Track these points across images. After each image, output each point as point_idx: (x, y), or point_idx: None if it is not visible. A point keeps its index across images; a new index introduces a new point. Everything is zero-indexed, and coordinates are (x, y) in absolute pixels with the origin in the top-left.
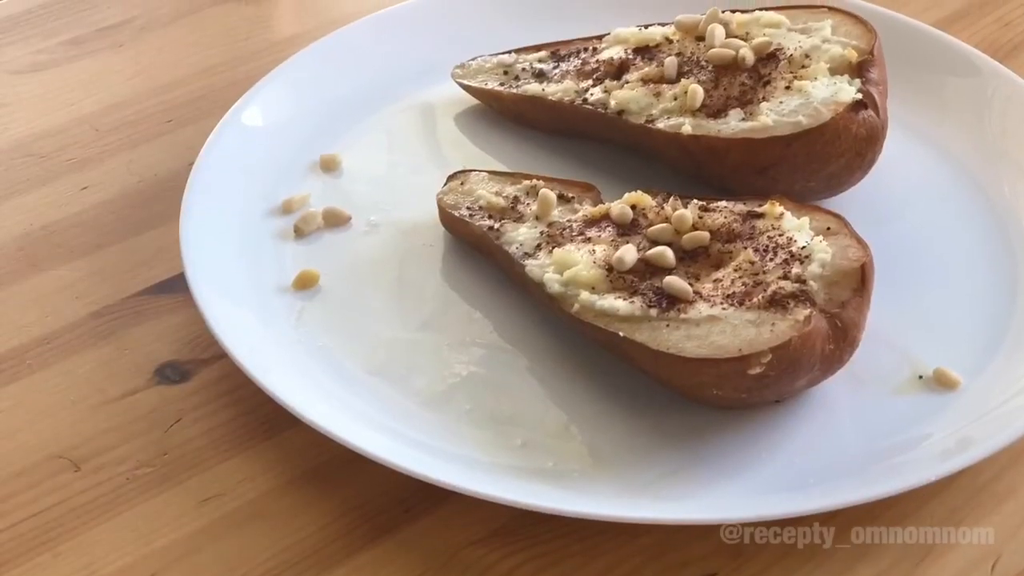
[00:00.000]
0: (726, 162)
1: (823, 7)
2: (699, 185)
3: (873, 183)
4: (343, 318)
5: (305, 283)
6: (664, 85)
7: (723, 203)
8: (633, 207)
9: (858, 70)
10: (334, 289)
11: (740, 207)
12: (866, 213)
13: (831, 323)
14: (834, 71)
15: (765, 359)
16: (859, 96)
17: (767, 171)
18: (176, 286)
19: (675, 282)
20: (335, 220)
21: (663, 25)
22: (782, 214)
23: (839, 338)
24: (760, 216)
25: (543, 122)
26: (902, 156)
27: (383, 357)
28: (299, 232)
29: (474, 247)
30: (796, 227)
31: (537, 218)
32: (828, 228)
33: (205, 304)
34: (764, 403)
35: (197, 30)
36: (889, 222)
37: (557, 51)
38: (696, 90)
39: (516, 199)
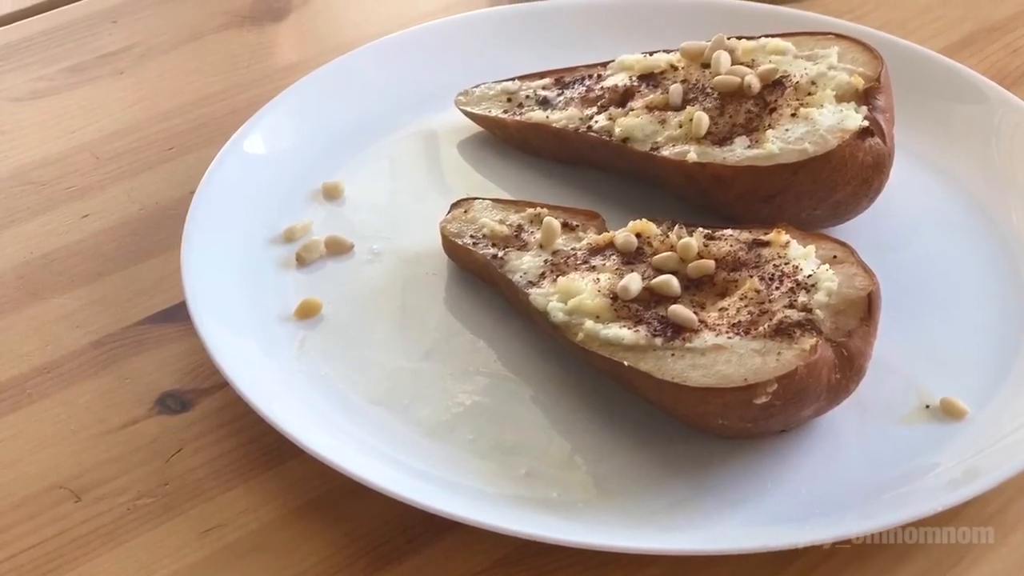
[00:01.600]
0: (731, 190)
1: (829, 34)
2: (704, 213)
3: (879, 211)
4: (345, 347)
5: (307, 312)
6: (669, 112)
7: (728, 231)
8: (638, 235)
9: (864, 97)
10: (336, 318)
11: (745, 235)
12: (872, 241)
13: (837, 352)
14: (840, 98)
15: (771, 388)
16: (865, 123)
17: (773, 199)
18: (177, 315)
19: (680, 311)
20: (337, 248)
21: (668, 52)
22: (788, 242)
23: (845, 367)
24: (766, 244)
25: (547, 150)
26: (909, 184)
27: (386, 386)
28: (301, 260)
29: (478, 275)
30: (802, 255)
31: (541, 246)
32: (834, 256)
33: (206, 333)
34: (770, 433)
35: (198, 57)
36: (896, 250)
37: (561, 78)
38: (701, 117)
39: (520, 227)
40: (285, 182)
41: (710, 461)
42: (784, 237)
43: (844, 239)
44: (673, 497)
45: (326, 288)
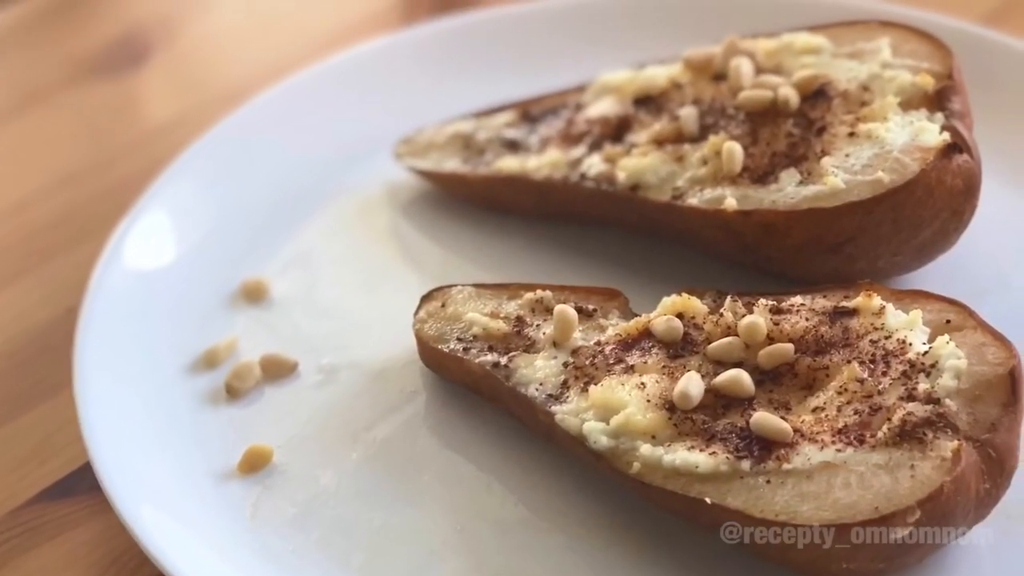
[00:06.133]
0: (786, 241)
1: (873, 22)
2: (748, 272)
3: (962, 244)
4: (312, 506)
5: (254, 463)
6: (686, 145)
7: (798, 299)
8: (679, 316)
9: (936, 101)
10: (293, 466)
11: (821, 302)
12: (962, 285)
13: (982, 453)
14: (905, 105)
15: (912, 517)
16: (947, 136)
17: (842, 248)
18: (78, 485)
19: (767, 420)
20: (277, 370)
21: (663, 64)
22: (882, 308)
23: (995, 472)
24: (852, 313)
25: (525, 206)
26: (992, 203)
27: (373, 555)
28: (233, 392)
29: (472, 390)
30: (905, 324)
31: (555, 344)
32: (948, 321)
33: (126, 508)
34: (905, 569)
35: (45, 125)
36: (994, 292)
37: (528, 111)
38: (733, 149)
39: (520, 320)
40: (193, 287)
41: None
42: (876, 301)
43: (924, 287)
44: None
45: (272, 426)
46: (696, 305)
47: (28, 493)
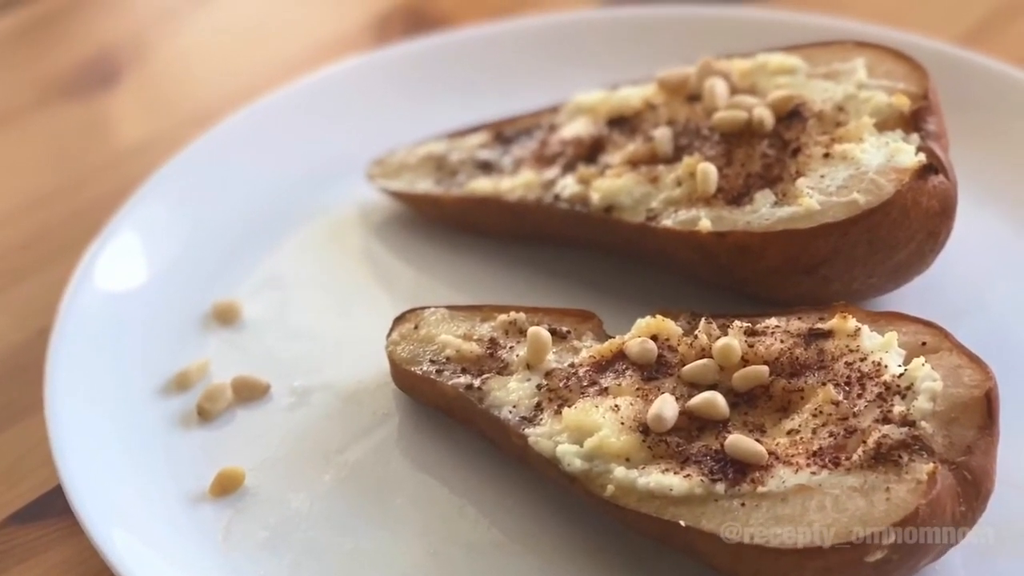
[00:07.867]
0: (761, 263)
1: (848, 42)
2: (723, 294)
3: (938, 266)
4: (284, 529)
5: (226, 486)
6: (660, 166)
7: (773, 321)
8: (653, 338)
9: (912, 122)
10: (265, 489)
11: (796, 324)
12: (937, 306)
13: (958, 476)
14: (881, 126)
15: (887, 540)
16: (923, 157)
17: (816, 270)
18: (48, 509)
19: (742, 443)
20: (249, 392)
21: (637, 85)
22: (858, 330)
23: (970, 495)
24: (827, 335)
25: (499, 227)
26: (967, 224)
27: None
28: (205, 414)
29: (445, 412)
30: (881, 347)
31: (528, 366)
32: (923, 343)
33: (96, 531)
34: None
35: (16, 145)
36: (967, 314)
37: (501, 132)
38: (707, 170)
39: (494, 342)
40: (164, 309)
41: None
42: (851, 323)
43: (900, 308)
44: None
45: (244, 449)
46: (670, 327)
47: None
